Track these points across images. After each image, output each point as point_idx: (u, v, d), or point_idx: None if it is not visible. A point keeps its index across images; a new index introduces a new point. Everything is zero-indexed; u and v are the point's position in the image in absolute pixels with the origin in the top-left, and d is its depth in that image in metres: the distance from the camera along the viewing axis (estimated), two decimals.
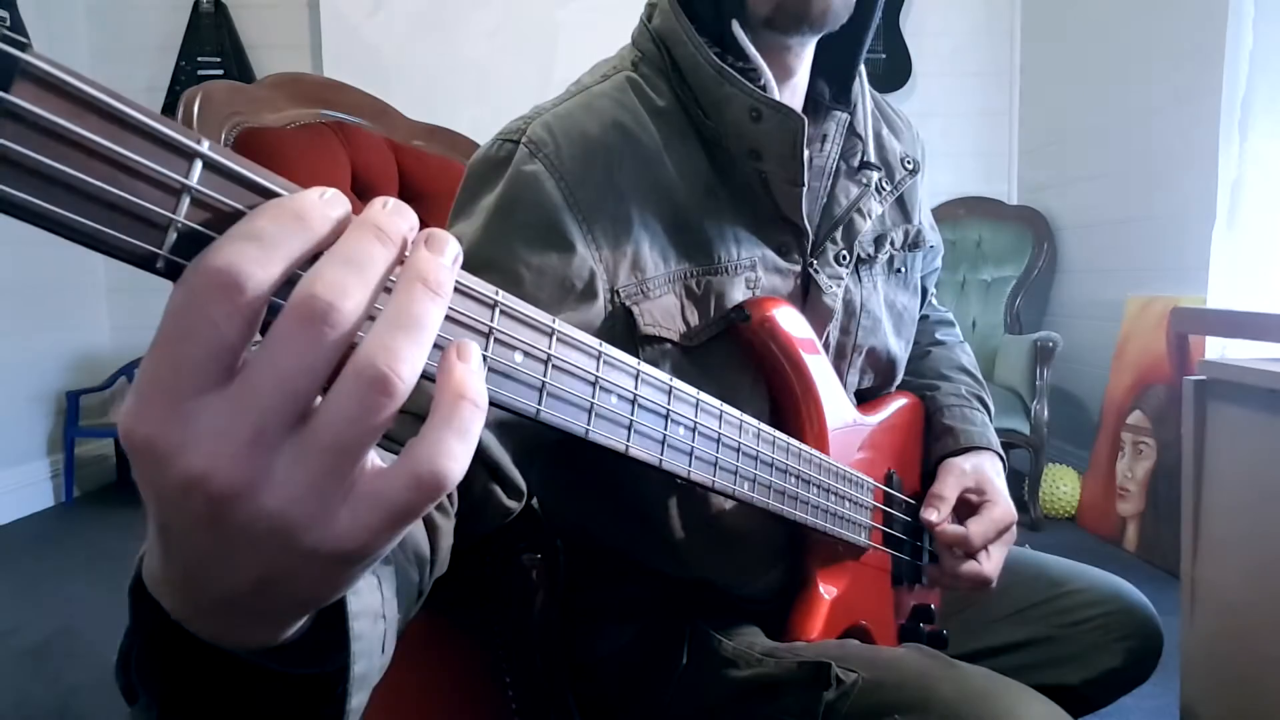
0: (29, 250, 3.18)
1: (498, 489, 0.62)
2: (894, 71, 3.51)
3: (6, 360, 3.14)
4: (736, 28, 0.69)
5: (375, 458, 0.28)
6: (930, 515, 0.80)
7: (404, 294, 0.27)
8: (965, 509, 0.83)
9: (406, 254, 0.29)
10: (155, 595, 0.30)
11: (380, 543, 0.28)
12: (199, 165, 0.27)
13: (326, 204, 0.27)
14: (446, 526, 0.54)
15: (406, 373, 0.26)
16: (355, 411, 0.26)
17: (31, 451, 3.29)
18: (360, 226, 0.28)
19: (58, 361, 3.42)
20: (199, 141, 0.27)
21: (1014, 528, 0.84)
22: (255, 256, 0.25)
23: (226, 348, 0.25)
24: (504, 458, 0.62)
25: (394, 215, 0.28)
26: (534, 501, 0.85)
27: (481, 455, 0.60)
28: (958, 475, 0.84)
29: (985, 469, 0.86)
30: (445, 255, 0.29)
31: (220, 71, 3.46)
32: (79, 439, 3.38)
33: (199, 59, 3.46)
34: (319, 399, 0.27)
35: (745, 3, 0.68)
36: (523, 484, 0.64)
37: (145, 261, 0.27)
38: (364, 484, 0.27)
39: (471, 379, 0.28)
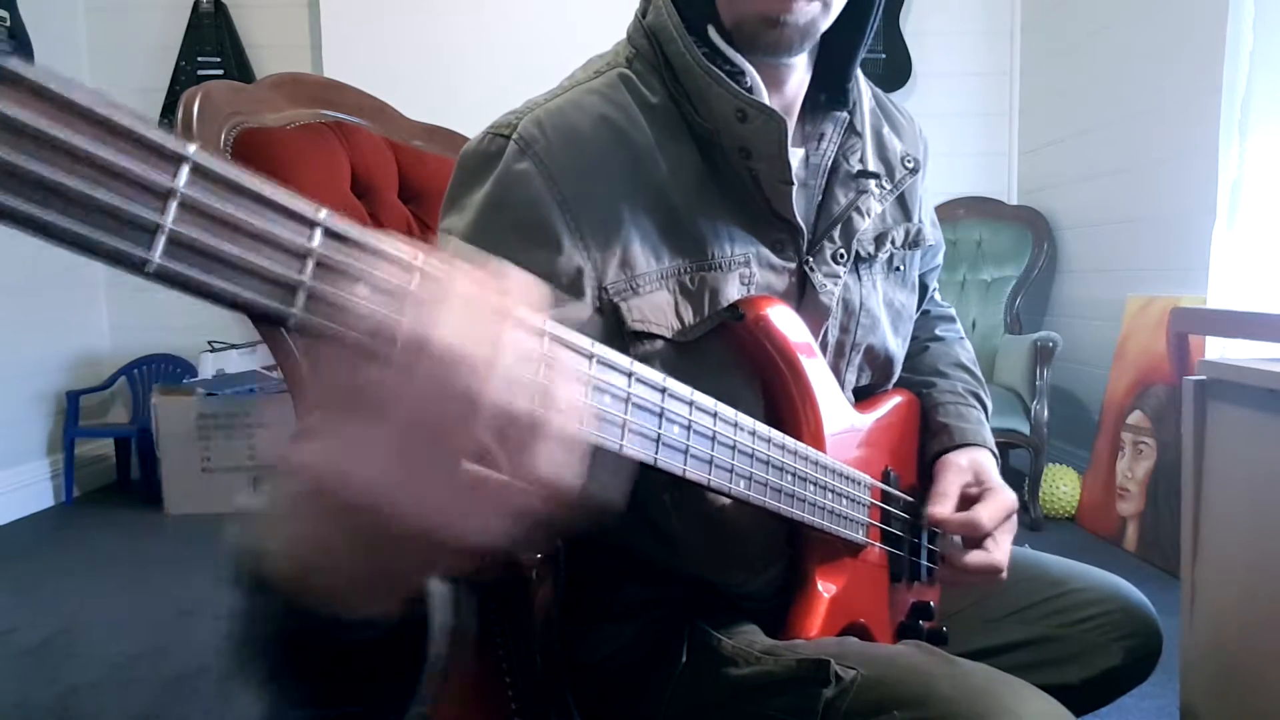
0: (29, 250, 3.16)
1: None
2: (894, 71, 3.51)
3: (6, 360, 3.14)
4: (713, 32, 0.69)
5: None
6: (935, 510, 0.79)
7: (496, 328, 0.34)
8: (966, 502, 0.82)
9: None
10: (292, 579, 0.37)
11: (496, 530, 0.34)
12: (186, 169, 0.27)
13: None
14: None
15: (501, 395, 0.34)
16: (457, 424, 0.33)
17: (31, 451, 3.29)
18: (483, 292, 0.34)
19: (58, 361, 3.43)
20: (185, 146, 0.27)
21: (1015, 517, 0.83)
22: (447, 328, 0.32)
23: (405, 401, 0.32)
24: None
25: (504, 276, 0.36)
26: None
27: None
28: (956, 471, 0.84)
29: (981, 462, 0.86)
30: (526, 299, 0.37)
31: (220, 71, 3.46)
32: (79, 439, 3.39)
33: (199, 59, 3.46)
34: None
35: (719, 11, 0.69)
36: None
37: (135, 266, 0.27)
38: (475, 484, 0.34)
39: (557, 390, 0.36)
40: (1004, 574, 0.80)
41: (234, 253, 0.29)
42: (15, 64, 0.24)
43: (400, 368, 0.31)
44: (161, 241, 0.27)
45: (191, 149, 0.28)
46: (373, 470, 0.32)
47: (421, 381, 0.31)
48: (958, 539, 0.81)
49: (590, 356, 0.42)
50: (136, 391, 3.58)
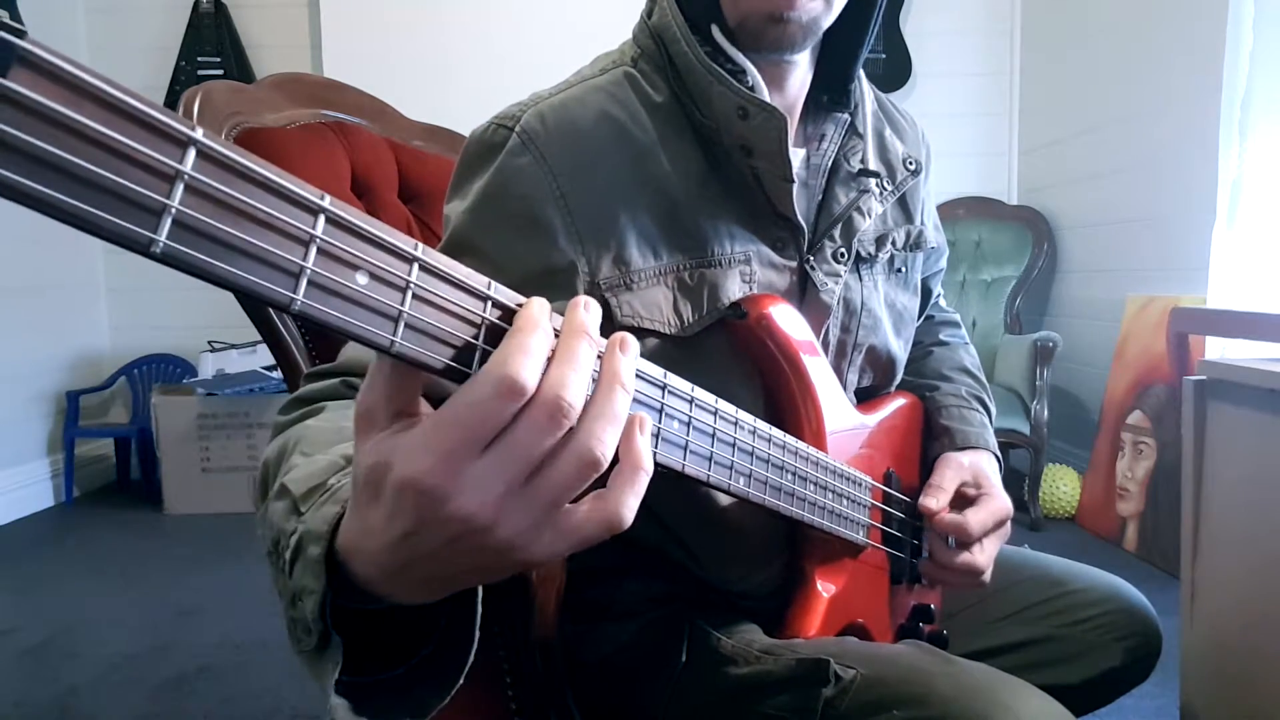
0: (29, 251, 3.18)
1: None
2: (894, 71, 3.51)
3: (6, 360, 3.14)
4: (716, 31, 0.70)
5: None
6: (929, 502, 0.80)
7: (608, 392, 0.38)
8: (962, 503, 0.83)
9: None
10: (351, 565, 0.39)
11: (560, 557, 0.39)
12: (193, 152, 0.28)
13: (551, 317, 0.37)
14: None
15: (610, 454, 0.37)
16: (571, 480, 0.37)
17: (31, 451, 3.29)
18: (577, 334, 0.38)
19: (58, 361, 3.43)
20: (193, 128, 0.28)
21: (1009, 524, 0.83)
22: (530, 366, 0.35)
23: (496, 430, 0.35)
24: None
25: (594, 317, 0.39)
26: None
27: None
28: (955, 468, 0.84)
29: (982, 465, 0.86)
30: (631, 356, 0.40)
31: (220, 71, 3.46)
32: (79, 439, 3.39)
33: (199, 59, 3.47)
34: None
35: (722, 10, 0.69)
36: None
37: (142, 247, 0.27)
38: (564, 520, 0.38)
39: (646, 452, 0.39)
40: (985, 578, 0.81)
41: (238, 236, 0.29)
42: (30, 45, 0.25)
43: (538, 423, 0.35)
44: (167, 223, 0.27)
45: (199, 132, 0.28)
46: (476, 501, 0.35)
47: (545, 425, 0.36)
48: (950, 538, 0.81)
49: (650, 379, 0.43)
50: (136, 391, 3.58)
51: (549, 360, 0.36)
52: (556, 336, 0.38)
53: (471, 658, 0.43)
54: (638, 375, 0.46)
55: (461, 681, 0.43)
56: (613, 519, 0.38)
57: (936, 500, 0.80)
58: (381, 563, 0.38)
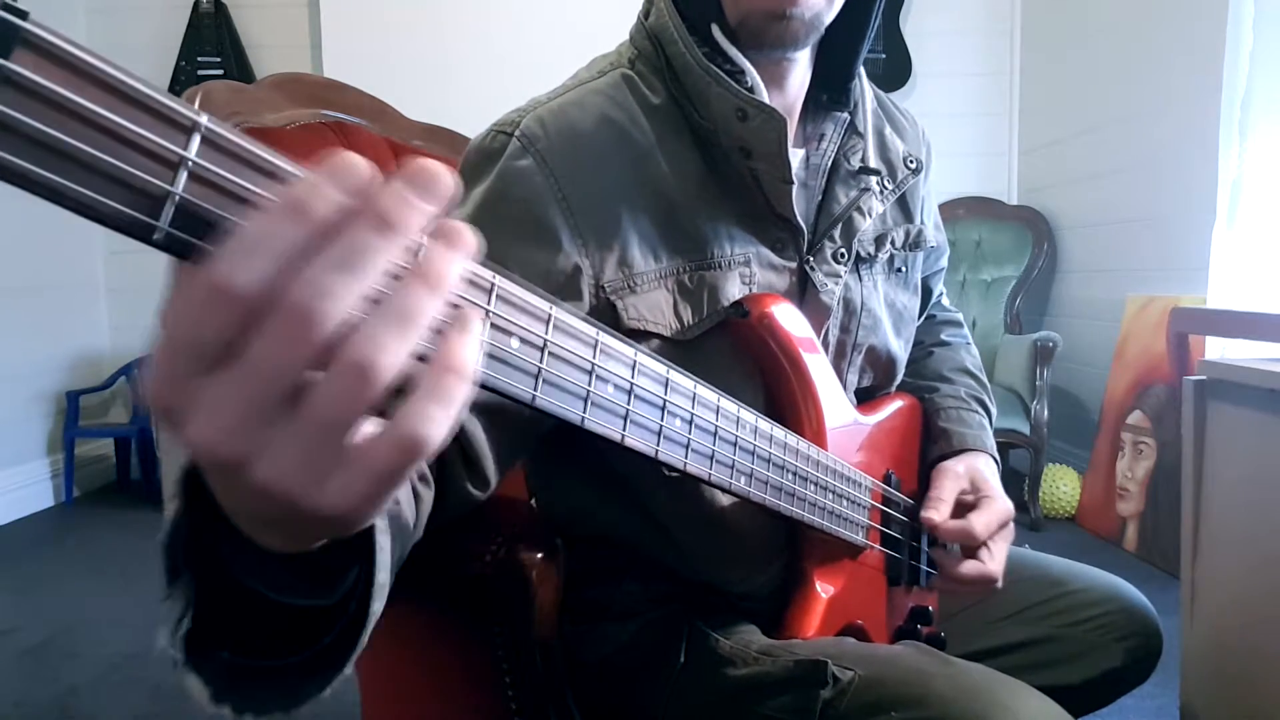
0: (29, 251, 3.18)
1: (465, 476, 0.62)
2: (894, 71, 3.51)
3: (7, 360, 3.14)
4: (716, 31, 0.70)
5: (365, 425, 0.29)
6: (930, 515, 0.79)
7: (404, 290, 0.28)
8: (962, 510, 0.82)
9: (420, 240, 0.29)
10: (213, 489, 0.32)
11: (371, 504, 0.30)
12: (197, 138, 0.27)
13: (324, 193, 0.28)
14: (427, 496, 0.55)
15: (388, 363, 0.27)
16: (340, 396, 0.27)
17: (31, 451, 3.29)
18: (362, 218, 0.28)
19: (58, 361, 3.42)
20: (198, 114, 0.27)
21: (1012, 524, 0.83)
22: (247, 264, 0.26)
23: (210, 336, 0.27)
24: (484, 448, 0.62)
25: (403, 204, 0.28)
26: (533, 501, 0.85)
27: (459, 439, 0.60)
28: (953, 478, 0.84)
29: (979, 468, 0.86)
30: (456, 251, 0.30)
31: (220, 71, 3.46)
32: (79, 439, 3.38)
33: (199, 59, 3.46)
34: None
35: (723, 10, 0.69)
36: (494, 477, 0.64)
37: (143, 233, 0.27)
38: (351, 453, 0.28)
39: (460, 351, 0.29)
40: (999, 583, 0.81)
41: (240, 224, 0.28)
42: (33, 26, 0.24)
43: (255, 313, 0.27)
44: (170, 210, 0.27)
45: (204, 118, 0.27)
46: (223, 428, 0.27)
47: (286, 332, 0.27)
48: (955, 548, 0.81)
49: (594, 344, 0.42)
50: (137, 391, 3.58)
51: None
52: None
53: (360, 646, 0.38)
54: (640, 369, 0.45)
55: (346, 671, 0.38)
56: (409, 439, 0.28)
57: (938, 512, 0.80)
58: (216, 491, 0.32)
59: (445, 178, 0.29)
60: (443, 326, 0.30)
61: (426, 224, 0.29)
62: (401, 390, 0.29)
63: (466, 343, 0.30)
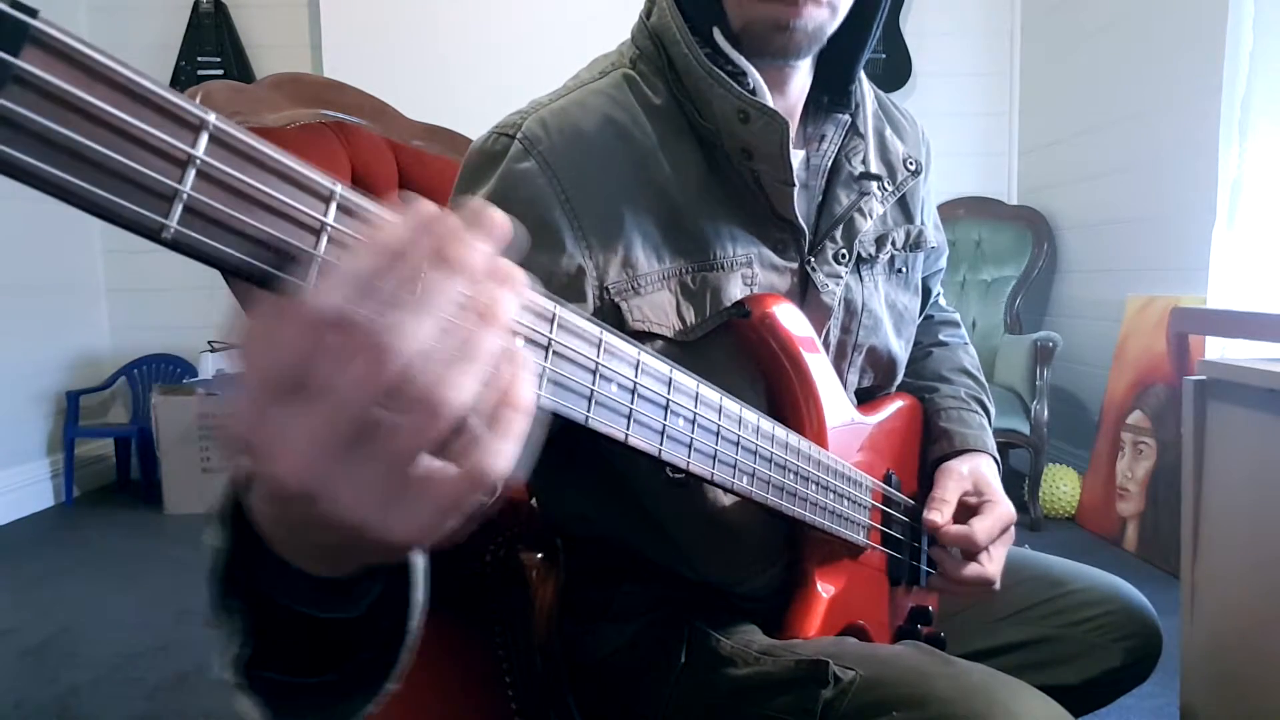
0: (29, 251, 3.18)
1: None
2: (894, 71, 3.51)
3: (7, 360, 3.14)
4: (717, 34, 0.70)
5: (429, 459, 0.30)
6: (934, 517, 0.79)
7: (467, 327, 0.30)
8: (965, 512, 0.83)
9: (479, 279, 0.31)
10: (257, 519, 0.33)
11: (433, 532, 0.31)
12: (205, 137, 0.27)
13: (404, 236, 0.29)
14: None
15: (457, 399, 0.29)
16: (411, 429, 0.29)
17: (31, 451, 3.29)
18: (434, 260, 0.29)
19: (58, 361, 3.42)
20: (206, 113, 0.27)
21: (1013, 528, 0.84)
22: (334, 299, 0.28)
23: (300, 371, 0.28)
24: None
25: (469, 247, 0.30)
26: (533, 501, 0.85)
27: None
28: (956, 479, 0.84)
29: (982, 470, 0.86)
30: (513, 288, 0.32)
31: (220, 71, 3.46)
32: (79, 439, 3.38)
33: (199, 59, 3.46)
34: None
35: (725, 13, 0.69)
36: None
37: (152, 232, 0.27)
38: (418, 484, 0.30)
39: (518, 387, 0.31)
40: (997, 586, 0.81)
41: (249, 223, 0.29)
42: (43, 24, 0.24)
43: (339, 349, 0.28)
44: (179, 209, 0.27)
45: (212, 116, 0.27)
46: (301, 459, 0.28)
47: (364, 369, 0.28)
48: (956, 551, 0.81)
49: (598, 343, 0.42)
50: (136, 391, 3.58)
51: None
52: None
53: (403, 660, 0.39)
54: (644, 369, 0.45)
55: (391, 685, 0.39)
56: (478, 474, 0.30)
57: (941, 514, 0.80)
58: (263, 518, 0.33)
59: (503, 221, 0.31)
60: (499, 361, 0.31)
61: (486, 264, 0.31)
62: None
63: (524, 378, 0.31)
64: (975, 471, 0.85)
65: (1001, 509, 0.82)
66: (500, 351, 0.30)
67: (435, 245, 0.29)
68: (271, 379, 0.28)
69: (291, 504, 0.30)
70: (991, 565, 0.80)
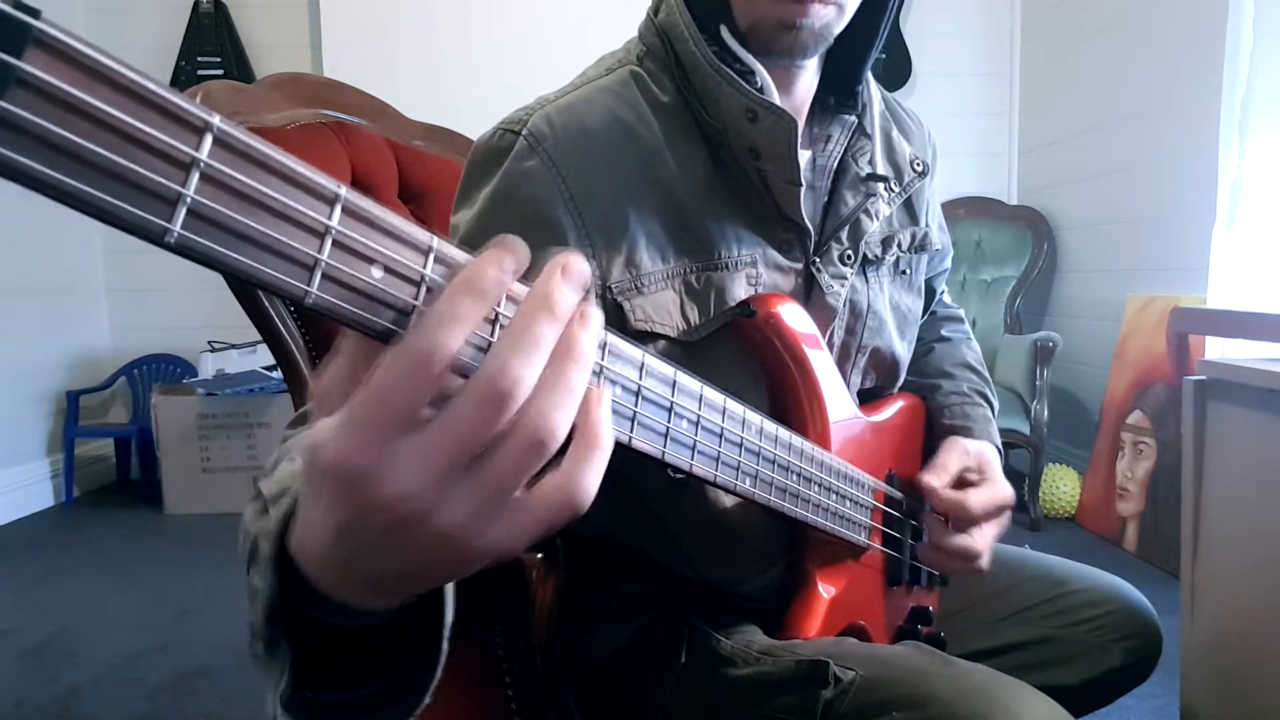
0: (29, 251, 3.18)
1: None
2: (894, 71, 3.51)
3: (7, 360, 3.14)
4: (725, 32, 0.69)
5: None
6: (930, 480, 0.79)
7: (563, 367, 0.33)
8: (964, 486, 0.81)
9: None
10: (301, 565, 0.36)
11: (518, 550, 0.34)
12: (209, 139, 0.27)
13: (504, 273, 0.33)
14: None
15: (561, 434, 0.33)
16: (518, 463, 0.33)
17: (31, 451, 3.29)
18: (536, 306, 0.33)
19: (58, 361, 3.43)
20: (210, 114, 0.27)
21: (1009, 515, 0.82)
22: (448, 335, 0.31)
23: (422, 403, 0.31)
24: None
25: (566, 292, 0.34)
26: None
27: None
28: (960, 452, 0.83)
29: (986, 454, 0.85)
30: (592, 329, 0.35)
31: (220, 71, 3.46)
32: (79, 439, 3.39)
33: (199, 59, 3.47)
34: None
35: (733, 12, 0.69)
36: None
37: (155, 236, 0.27)
38: (515, 507, 0.33)
39: (605, 428, 0.35)
40: (982, 563, 0.79)
41: (253, 227, 0.28)
42: (45, 25, 0.24)
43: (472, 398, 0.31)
44: (182, 213, 0.27)
45: (216, 118, 0.27)
46: (409, 482, 0.31)
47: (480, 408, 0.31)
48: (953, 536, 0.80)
49: (603, 346, 0.42)
50: (136, 391, 3.58)
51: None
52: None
53: (438, 675, 0.41)
54: (647, 370, 0.45)
55: (428, 700, 0.41)
56: (569, 502, 0.34)
57: (938, 478, 0.79)
58: (324, 559, 0.35)
59: (585, 269, 0.34)
60: (586, 398, 0.35)
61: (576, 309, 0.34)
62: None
63: (606, 416, 0.36)
64: (980, 453, 0.84)
65: (1000, 489, 0.81)
66: (589, 389, 0.34)
67: (545, 295, 0.33)
68: (397, 415, 0.31)
69: (385, 531, 0.32)
70: (980, 539, 0.79)
